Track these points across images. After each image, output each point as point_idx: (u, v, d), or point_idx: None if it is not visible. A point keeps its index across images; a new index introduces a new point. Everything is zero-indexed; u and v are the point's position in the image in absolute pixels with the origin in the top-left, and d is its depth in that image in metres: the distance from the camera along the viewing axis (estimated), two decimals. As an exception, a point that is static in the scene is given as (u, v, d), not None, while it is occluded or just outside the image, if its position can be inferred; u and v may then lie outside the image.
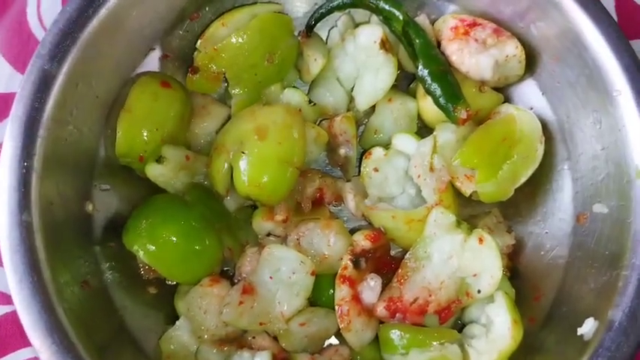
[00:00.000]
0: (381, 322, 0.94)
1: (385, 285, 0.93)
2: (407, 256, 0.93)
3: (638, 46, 0.96)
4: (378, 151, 1.01)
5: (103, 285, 0.93)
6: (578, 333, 0.83)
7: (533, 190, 1.00)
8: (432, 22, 1.04)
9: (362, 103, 1.03)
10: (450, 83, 0.95)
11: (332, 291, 0.93)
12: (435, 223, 0.92)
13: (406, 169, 0.99)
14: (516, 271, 1.01)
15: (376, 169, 1.00)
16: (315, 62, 1.03)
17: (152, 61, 1.01)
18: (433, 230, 0.92)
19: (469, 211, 1.02)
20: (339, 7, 1.03)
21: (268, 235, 1.00)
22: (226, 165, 0.94)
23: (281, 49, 1.01)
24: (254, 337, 0.93)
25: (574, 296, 0.90)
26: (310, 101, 1.05)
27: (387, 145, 1.02)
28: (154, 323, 0.97)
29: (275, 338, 0.94)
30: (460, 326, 0.97)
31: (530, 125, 0.96)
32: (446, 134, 0.97)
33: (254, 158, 0.91)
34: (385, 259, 0.98)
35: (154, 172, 0.95)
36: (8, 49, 1.11)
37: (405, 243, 0.97)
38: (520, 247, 1.02)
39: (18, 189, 0.81)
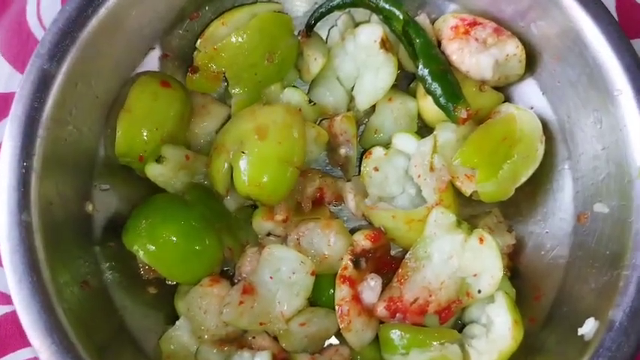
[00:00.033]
0: (381, 322, 0.94)
1: (385, 285, 0.93)
2: (407, 256, 0.93)
3: (639, 45, 0.96)
4: (378, 151, 1.01)
5: (102, 285, 0.93)
6: (579, 333, 0.83)
7: (534, 189, 1.00)
8: (432, 22, 1.04)
9: (362, 102, 1.03)
10: (450, 83, 0.95)
11: (332, 291, 0.93)
12: (436, 223, 0.92)
13: (406, 169, 0.99)
14: (517, 271, 1.01)
15: (376, 169, 1.00)
16: (315, 62, 1.03)
17: (152, 61, 1.01)
18: (433, 230, 0.92)
19: (469, 211, 1.02)
20: (339, 7, 1.03)
21: (268, 234, 1.00)
22: (226, 165, 0.94)
23: (281, 49, 1.01)
24: (254, 337, 0.93)
25: (575, 296, 0.90)
26: (310, 101, 1.05)
27: (387, 145, 1.02)
28: (153, 323, 0.97)
29: (275, 338, 0.94)
30: (460, 326, 0.97)
31: (531, 125, 0.96)
32: (446, 134, 0.97)
33: (254, 158, 0.91)
34: (385, 259, 0.98)
35: (154, 171, 0.95)
36: (8, 48, 1.11)
37: (406, 243, 0.97)
38: (520, 246, 1.02)
39: (17, 189, 0.81)
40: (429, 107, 0.99)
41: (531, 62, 0.99)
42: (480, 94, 1.00)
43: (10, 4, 1.12)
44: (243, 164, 0.91)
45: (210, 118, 1.03)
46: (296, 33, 1.05)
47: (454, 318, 0.94)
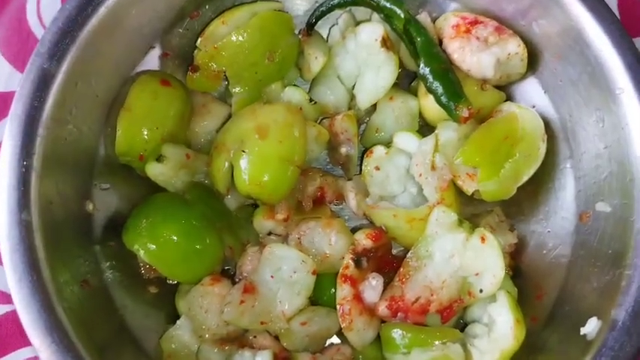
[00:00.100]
0: (382, 321, 0.93)
1: (387, 284, 0.93)
2: (408, 255, 0.93)
3: (641, 43, 0.95)
4: (379, 150, 1.01)
5: (103, 284, 0.92)
6: (581, 332, 0.83)
7: (536, 188, 0.99)
8: (434, 20, 1.03)
9: (363, 101, 1.03)
10: (451, 81, 0.95)
11: (333, 290, 0.93)
12: (437, 222, 0.92)
13: (408, 168, 0.99)
14: (519, 270, 1.00)
15: (377, 168, 1.00)
16: (315, 60, 1.03)
17: (152, 60, 1.01)
18: (435, 229, 0.92)
19: (471, 210, 1.02)
20: (340, 5, 1.03)
21: (269, 234, 1.00)
22: (227, 164, 0.94)
23: (281, 48, 1.01)
24: (255, 337, 0.93)
25: (577, 295, 0.90)
26: (311, 100, 1.05)
27: (388, 144, 1.01)
28: (154, 322, 0.97)
29: (276, 337, 0.93)
30: (462, 325, 0.96)
31: (533, 123, 0.96)
32: (447, 133, 0.97)
33: (255, 157, 0.91)
34: (387, 258, 0.97)
35: (154, 170, 0.95)
36: (7, 47, 1.10)
37: (407, 242, 0.96)
38: (522, 245, 1.01)
39: (17, 188, 0.81)
40: (430, 106, 0.99)
41: (533, 61, 0.98)
42: (481, 93, 1.00)
43: (10, 2, 1.12)
44: (243, 163, 0.91)
45: (211, 117, 1.03)
46: (296, 32, 1.05)
47: (456, 317, 0.94)
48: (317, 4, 1.05)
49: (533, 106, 1.00)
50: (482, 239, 0.91)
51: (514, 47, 0.97)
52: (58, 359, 0.77)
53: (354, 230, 0.98)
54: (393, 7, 0.97)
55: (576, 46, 0.90)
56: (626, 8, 1.13)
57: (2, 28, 1.11)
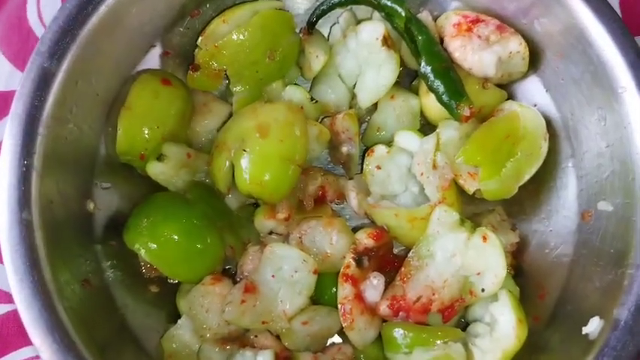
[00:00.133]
0: (384, 320, 0.93)
1: (388, 283, 0.93)
2: (410, 254, 0.93)
3: (643, 42, 0.95)
4: (380, 149, 1.00)
5: (104, 283, 0.92)
6: (584, 332, 0.83)
7: (538, 187, 0.99)
8: (435, 19, 1.03)
9: (364, 100, 1.03)
10: (452, 80, 0.94)
11: (335, 289, 0.93)
12: (439, 221, 0.92)
13: (409, 167, 0.98)
14: (520, 270, 1.00)
15: (379, 167, 1.00)
16: (316, 59, 1.03)
17: (152, 59, 1.01)
18: (436, 228, 0.92)
19: (472, 209, 1.02)
20: (341, 4, 1.03)
21: (270, 233, 1.00)
22: (228, 163, 0.93)
23: (282, 46, 1.01)
24: (256, 336, 0.93)
25: (579, 295, 0.90)
26: (312, 98, 1.05)
27: (389, 143, 1.01)
28: (155, 322, 0.96)
29: (277, 337, 0.93)
30: (464, 325, 0.96)
31: (534, 122, 0.95)
32: (449, 131, 0.97)
33: (255, 156, 0.91)
34: (388, 257, 0.97)
35: (155, 170, 0.95)
36: (8, 46, 1.10)
37: (408, 241, 0.96)
38: (524, 245, 1.01)
39: (18, 187, 0.81)
40: (431, 105, 0.99)
41: (534, 59, 0.98)
42: (482, 92, 1.00)
43: (9, 0, 1.12)
44: (244, 162, 0.91)
45: (212, 116, 1.03)
46: (297, 30, 1.05)
47: (457, 317, 0.94)
48: (318, 3, 1.05)
49: (535, 105, 1.00)
50: (484, 238, 0.90)
51: (515, 46, 0.97)
52: (59, 358, 0.77)
53: (355, 229, 0.97)
54: (394, 5, 0.97)
55: (578, 45, 0.90)
56: (628, 6, 1.12)
57: (2, 27, 1.11)
